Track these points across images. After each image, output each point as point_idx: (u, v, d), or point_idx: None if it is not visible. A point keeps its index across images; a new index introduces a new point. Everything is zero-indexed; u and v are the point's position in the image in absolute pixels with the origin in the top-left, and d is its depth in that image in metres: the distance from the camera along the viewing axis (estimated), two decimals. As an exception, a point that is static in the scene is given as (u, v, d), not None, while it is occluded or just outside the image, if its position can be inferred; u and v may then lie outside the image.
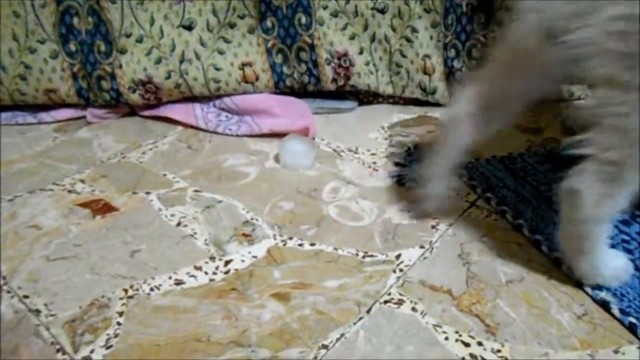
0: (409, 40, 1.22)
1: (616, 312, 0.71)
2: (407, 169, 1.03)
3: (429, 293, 0.75)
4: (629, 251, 0.81)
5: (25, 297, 0.74)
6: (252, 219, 0.90)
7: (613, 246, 0.82)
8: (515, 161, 1.04)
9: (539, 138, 1.16)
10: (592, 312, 0.72)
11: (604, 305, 0.72)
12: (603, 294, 0.73)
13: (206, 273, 0.78)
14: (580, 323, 0.70)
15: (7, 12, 1.17)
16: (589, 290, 0.75)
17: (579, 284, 0.76)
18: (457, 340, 0.68)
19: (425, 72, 1.25)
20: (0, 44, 1.19)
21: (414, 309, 0.72)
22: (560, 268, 0.79)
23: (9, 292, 0.75)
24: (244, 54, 1.19)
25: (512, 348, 0.67)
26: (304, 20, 1.18)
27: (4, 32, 1.19)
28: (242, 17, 1.18)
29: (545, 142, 1.14)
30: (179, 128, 1.22)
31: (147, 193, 0.97)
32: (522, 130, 1.19)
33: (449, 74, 1.27)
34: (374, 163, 1.07)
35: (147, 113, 1.26)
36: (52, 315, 0.71)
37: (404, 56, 1.24)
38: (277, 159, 1.07)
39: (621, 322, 0.70)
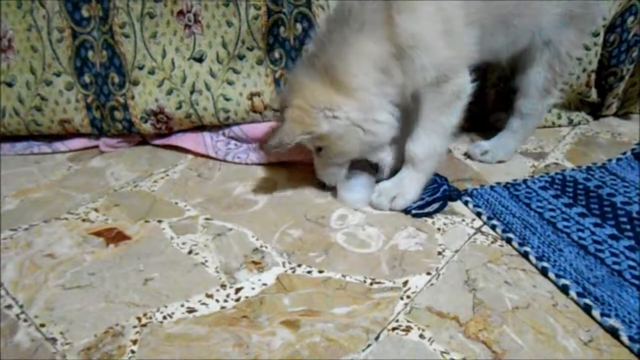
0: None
1: (625, 339, 0.71)
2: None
3: (436, 320, 0.76)
4: (635, 277, 0.82)
5: (42, 325, 0.76)
6: (261, 246, 0.92)
7: (602, 260, 0.86)
8: (520, 188, 1.06)
9: (542, 163, 1.18)
10: (598, 339, 0.72)
11: (612, 332, 0.73)
12: (612, 321, 0.74)
13: (217, 301, 0.80)
14: (587, 349, 0.71)
15: (25, 46, 1.22)
16: (597, 316, 0.75)
17: (585, 310, 0.77)
18: (464, 367, 0.69)
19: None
20: (18, 77, 1.24)
21: (421, 336, 0.73)
22: (567, 294, 0.80)
23: (25, 320, 0.77)
24: (253, 84, 1.23)
25: (520, 375, 0.68)
26: (310, 51, 1.21)
27: (21, 66, 1.23)
28: (250, 49, 1.21)
29: (548, 167, 1.16)
30: (190, 157, 1.25)
31: (159, 221, 0.99)
32: (525, 155, 1.21)
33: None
34: (381, 190, 1.09)
35: (158, 142, 1.29)
36: (67, 343, 0.73)
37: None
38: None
39: (630, 349, 0.71)
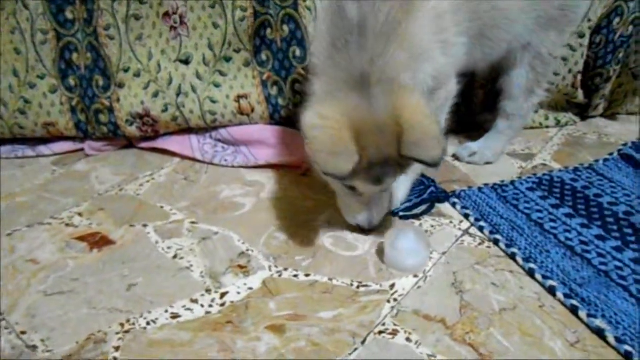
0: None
1: (612, 340, 0.71)
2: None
3: (423, 323, 0.75)
4: (622, 278, 0.82)
5: (23, 332, 0.74)
6: (247, 250, 0.91)
7: (589, 261, 0.85)
8: (507, 189, 1.06)
9: (529, 164, 1.18)
10: (585, 340, 0.72)
11: (599, 333, 0.73)
12: (598, 322, 0.74)
13: (202, 306, 0.79)
14: (574, 351, 0.70)
15: (8, 48, 1.21)
16: (583, 317, 0.75)
17: (572, 312, 0.76)
18: (451, 370, 0.69)
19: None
20: (1, 80, 1.22)
21: (408, 339, 0.72)
22: (554, 296, 0.79)
23: (6, 328, 0.75)
24: (240, 86, 1.22)
25: (507, 378, 0.68)
26: (298, 53, 1.21)
27: (5, 69, 1.22)
28: (237, 51, 1.21)
29: (535, 168, 1.16)
30: (176, 160, 1.24)
31: (144, 225, 0.98)
32: (513, 157, 1.21)
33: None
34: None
35: (144, 145, 1.28)
36: (49, 351, 0.71)
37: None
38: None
39: (617, 350, 0.70)
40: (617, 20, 1.26)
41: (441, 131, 0.80)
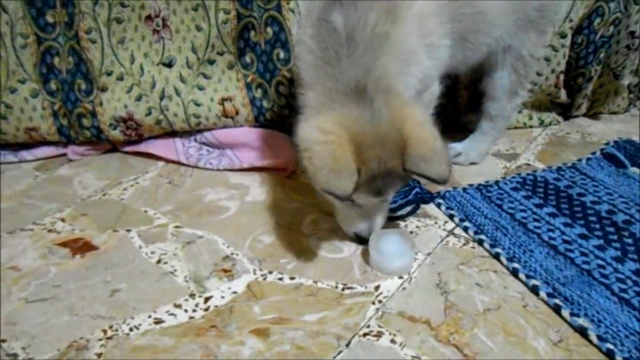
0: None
1: (594, 338, 0.72)
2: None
3: (408, 324, 0.75)
4: (604, 276, 0.83)
5: (3, 341, 0.73)
6: (232, 254, 0.91)
7: (572, 260, 0.86)
8: (492, 189, 1.06)
9: (513, 164, 1.19)
10: (567, 339, 0.73)
11: (582, 332, 0.73)
12: (581, 320, 0.74)
13: (186, 311, 0.78)
14: (557, 350, 0.71)
15: (-13, 53, 1.19)
16: (566, 316, 0.76)
17: (555, 311, 0.77)
18: (435, 371, 0.69)
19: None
20: (-19, 85, 1.20)
21: (392, 341, 0.72)
22: (537, 295, 0.80)
23: (-14, 337, 0.74)
24: (224, 89, 1.21)
25: (490, 378, 0.68)
26: (282, 55, 1.20)
27: (-16, 73, 1.20)
28: (221, 54, 1.20)
29: (519, 168, 1.17)
30: (161, 163, 1.23)
31: (128, 230, 0.97)
32: (497, 157, 1.22)
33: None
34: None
35: (128, 149, 1.27)
36: (29, 359, 0.70)
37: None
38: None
39: (599, 348, 0.71)
40: (597, 20, 1.27)
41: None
